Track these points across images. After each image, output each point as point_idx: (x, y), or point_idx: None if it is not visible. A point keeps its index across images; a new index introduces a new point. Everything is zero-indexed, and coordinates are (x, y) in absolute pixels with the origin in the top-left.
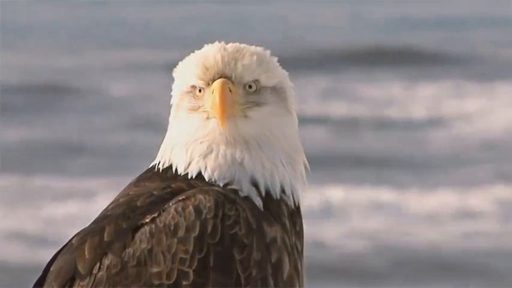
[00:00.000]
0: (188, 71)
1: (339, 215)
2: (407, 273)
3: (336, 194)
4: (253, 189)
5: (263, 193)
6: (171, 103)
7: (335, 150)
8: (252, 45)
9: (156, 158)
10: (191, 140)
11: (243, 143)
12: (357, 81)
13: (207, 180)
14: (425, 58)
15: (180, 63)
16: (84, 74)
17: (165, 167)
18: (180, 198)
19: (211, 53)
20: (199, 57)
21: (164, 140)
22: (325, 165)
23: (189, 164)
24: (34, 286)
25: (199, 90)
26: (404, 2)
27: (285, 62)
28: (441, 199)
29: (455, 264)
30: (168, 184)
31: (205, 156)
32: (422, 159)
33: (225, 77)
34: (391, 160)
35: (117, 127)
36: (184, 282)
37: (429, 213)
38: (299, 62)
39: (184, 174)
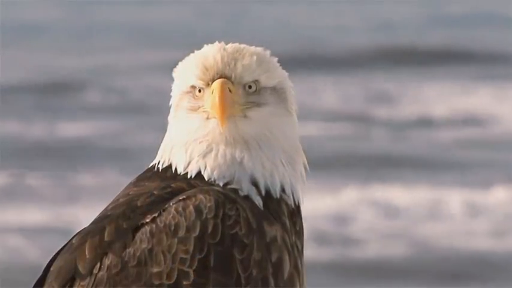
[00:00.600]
0: (188, 71)
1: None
2: (448, 273)
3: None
4: (253, 188)
5: (263, 192)
6: (170, 103)
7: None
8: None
9: (156, 158)
10: (191, 140)
11: (243, 143)
12: (387, 81)
13: (206, 179)
14: (451, 57)
15: (180, 63)
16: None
17: (164, 166)
18: (180, 198)
19: (211, 53)
20: (198, 57)
21: (164, 139)
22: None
23: (189, 163)
24: (34, 286)
25: (199, 91)
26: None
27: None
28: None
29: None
30: (168, 184)
31: (204, 155)
32: (460, 159)
33: (224, 77)
34: (431, 160)
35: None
36: (184, 282)
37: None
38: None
39: (184, 174)
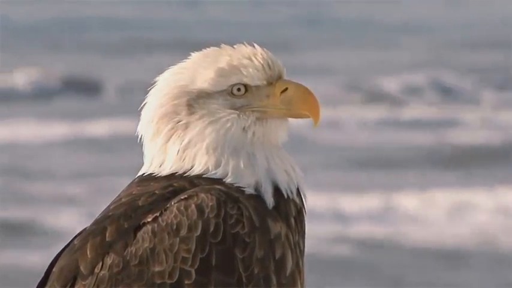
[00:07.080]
0: (229, 70)
1: None
2: None
3: None
4: (272, 190)
5: (285, 195)
6: (175, 102)
7: None
8: None
9: (169, 161)
10: (232, 143)
11: (278, 145)
12: None
13: (230, 183)
14: None
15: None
16: None
17: (185, 168)
18: (182, 197)
19: (262, 52)
20: (250, 56)
21: (173, 141)
22: None
23: (215, 166)
24: None
25: (238, 89)
26: None
27: None
28: None
29: None
30: (170, 183)
31: (244, 159)
32: None
33: (281, 77)
34: None
35: None
36: (186, 282)
37: None
38: None
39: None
